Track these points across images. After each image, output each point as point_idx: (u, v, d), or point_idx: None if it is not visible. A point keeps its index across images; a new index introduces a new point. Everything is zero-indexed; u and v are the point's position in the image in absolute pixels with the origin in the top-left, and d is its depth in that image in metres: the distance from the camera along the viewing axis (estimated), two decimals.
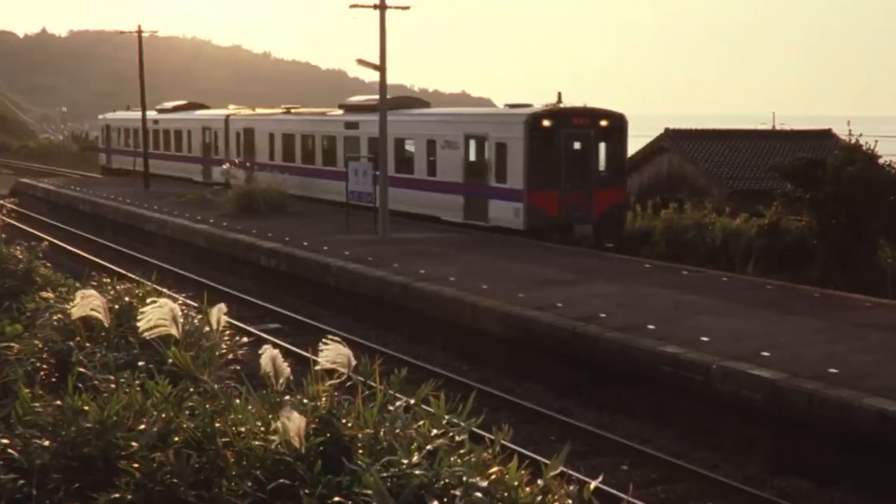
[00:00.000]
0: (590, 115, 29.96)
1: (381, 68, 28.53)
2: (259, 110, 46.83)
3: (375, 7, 28.27)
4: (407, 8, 29.00)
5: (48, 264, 10.34)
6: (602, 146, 30.15)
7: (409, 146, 33.70)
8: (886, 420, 12.44)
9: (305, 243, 27.06)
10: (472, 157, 30.61)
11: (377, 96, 29.52)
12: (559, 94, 31.04)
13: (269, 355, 4.86)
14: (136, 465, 4.28)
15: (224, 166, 41.58)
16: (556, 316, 17.95)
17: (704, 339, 15.92)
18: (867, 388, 13.30)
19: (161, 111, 52.53)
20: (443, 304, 20.18)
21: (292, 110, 43.36)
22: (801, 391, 13.45)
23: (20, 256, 9.89)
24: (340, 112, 38.58)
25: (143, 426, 4.53)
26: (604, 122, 29.86)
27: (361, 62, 28.86)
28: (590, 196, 28.85)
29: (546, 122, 28.92)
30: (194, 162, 47.90)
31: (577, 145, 29.39)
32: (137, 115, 50.65)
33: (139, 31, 45.83)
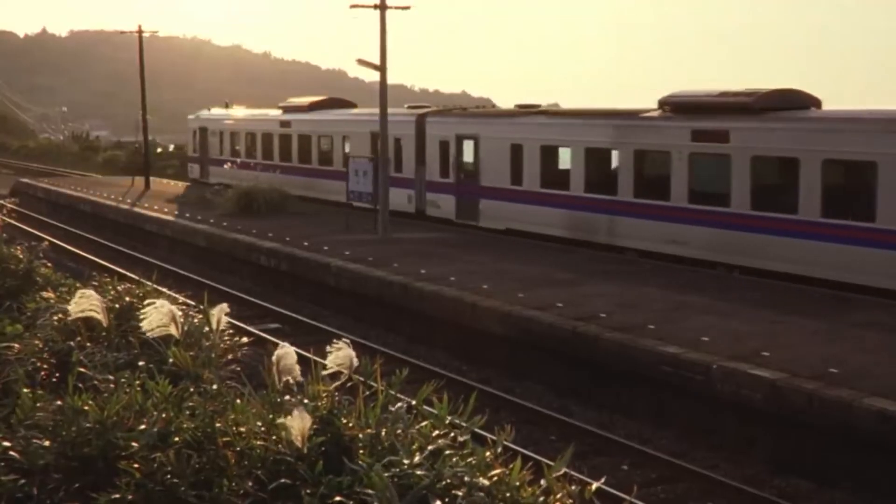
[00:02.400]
0: None
1: (382, 68, 28.52)
2: (459, 108, 36.45)
3: (375, 7, 28.27)
4: (407, 8, 29.03)
5: (48, 264, 10.33)
6: None
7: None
8: (886, 420, 12.44)
9: (306, 243, 27.06)
10: None
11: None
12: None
13: (280, 353, 4.85)
14: (136, 465, 4.28)
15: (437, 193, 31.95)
16: (556, 316, 17.95)
17: (704, 338, 15.92)
18: (867, 388, 13.30)
19: (289, 110, 41.99)
20: (443, 304, 20.18)
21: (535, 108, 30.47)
22: (800, 391, 13.46)
23: (20, 256, 9.88)
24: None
25: (143, 426, 4.53)
26: None
27: (361, 62, 28.86)
28: None
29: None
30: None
31: None
32: (254, 113, 45.38)
33: (139, 31, 45.83)
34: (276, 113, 42.77)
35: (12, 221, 30.70)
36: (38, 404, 4.87)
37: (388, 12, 28.37)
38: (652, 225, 24.25)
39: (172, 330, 5.42)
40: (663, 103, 24.77)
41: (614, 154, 25.60)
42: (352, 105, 40.80)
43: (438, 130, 31.85)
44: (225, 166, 43.77)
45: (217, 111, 49.43)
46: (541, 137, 27.79)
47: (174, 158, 64.79)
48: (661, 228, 23.97)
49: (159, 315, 5.42)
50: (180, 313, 5.62)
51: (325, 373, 4.81)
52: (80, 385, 5.04)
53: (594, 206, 25.83)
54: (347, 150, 36.14)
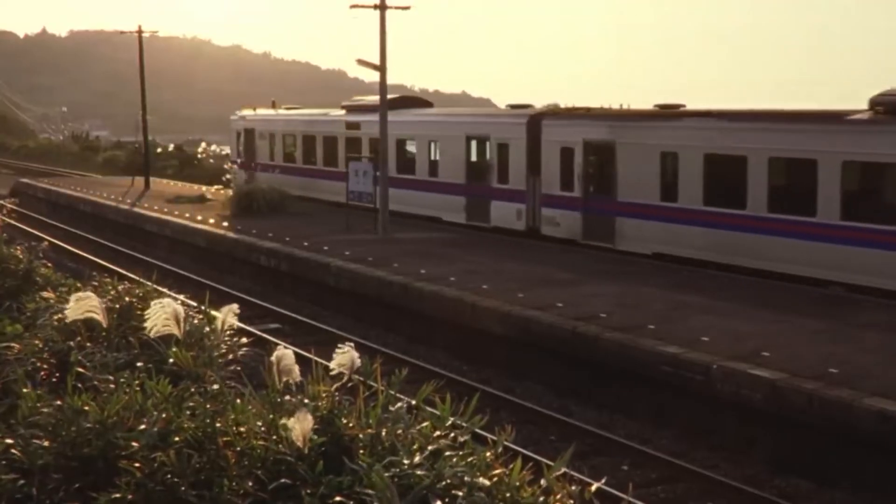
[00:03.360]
0: None
1: (382, 68, 28.54)
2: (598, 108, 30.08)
3: (375, 7, 28.29)
4: (407, 8, 29.04)
5: (48, 264, 10.33)
6: None
7: None
8: (886, 420, 12.45)
9: (305, 243, 27.06)
10: None
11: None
12: None
13: (278, 354, 4.86)
14: (136, 465, 4.28)
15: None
16: (556, 316, 17.95)
17: (704, 338, 15.93)
18: (867, 388, 13.30)
19: (356, 110, 36.81)
20: (443, 304, 20.18)
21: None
22: (800, 391, 13.46)
23: (20, 256, 9.88)
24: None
25: (143, 426, 4.53)
26: None
27: (361, 62, 28.88)
28: None
29: None
30: (446, 192, 31.29)
31: None
32: (313, 114, 40.24)
33: (139, 31, 45.84)
34: (338, 113, 37.89)
35: (12, 221, 30.73)
36: (38, 404, 4.87)
37: (388, 12, 28.40)
38: (873, 255, 19.49)
39: (174, 329, 5.42)
40: (877, 103, 20.22)
41: (813, 165, 20.48)
42: (427, 104, 37.06)
43: (559, 135, 27.07)
44: (276, 173, 39.95)
45: (264, 111, 44.22)
46: (704, 144, 23.13)
47: (174, 158, 64.74)
48: (887, 259, 19.28)
49: (164, 313, 5.41)
50: (183, 311, 5.62)
51: (332, 373, 4.81)
52: (80, 385, 5.04)
53: (781, 229, 21.16)
54: (436, 156, 31.89)
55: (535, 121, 28.15)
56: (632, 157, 24.95)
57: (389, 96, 31.42)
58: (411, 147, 33.47)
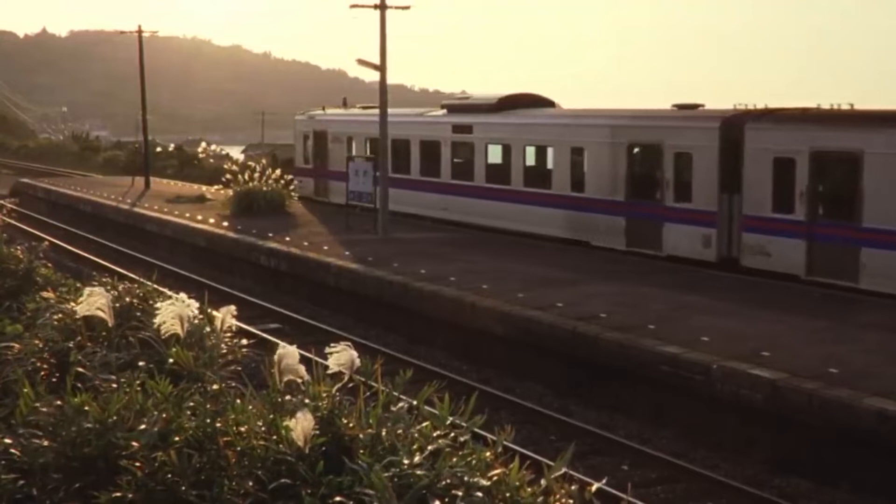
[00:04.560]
0: None
1: (382, 68, 28.54)
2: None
3: (375, 7, 28.29)
4: (407, 8, 29.03)
5: (48, 264, 10.34)
6: None
7: None
8: (886, 420, 12.45)
9: (305, 243, 27.06)
10: None
11: None
12: None
13: (281, 353, 4.86)
14: (137, 465, 4.28)
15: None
16: (556, 316, 17.95)
17: (704, 338, 15.92)
18: (867, 388, 13.30)
19: (463, 109, 31.30)
20: (443, 304, 20.18)
21: None
22: (800, 391, 13.46)
23: (20, 256, 9.89)
24: None
25: (143, 426, 4.54)
26: None
27: (361, 62, 28.88)
28: None
29: None
30: (596, 210, 25.93)
31: None
32: (405, 114, 33.87)
33: (139, 31, 45.84)
34: (439, 113, 32.41)
35: (12, 221, 30.74)
36: (38, 404, 4.87)
37: (388, 12, 28.40)
38: None
39: (178, 329, 5.44)
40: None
41: None
42: (548, 102, 30.75)
43: (772, 142, 21.79)
44: None
45: (335, 111, 38.83)
46: None
47: (173, 158, 64.73)
48: None
49: (175, 312, 5.43)
50: (189, 311, 5.63)
51: (329, 371, 4.81)
52: (81, 385, 5.05)
53: None
54: (582, 167, 26.53)
55: (733, 125, 22.72)
56: (889, 171, 19.65)
57: (505, 94, 28.88)
58: (543, 155, 28.00)
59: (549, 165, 27.72)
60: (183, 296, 5.65)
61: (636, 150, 25.12)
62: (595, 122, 26.53)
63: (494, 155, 29.60)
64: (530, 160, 28.53)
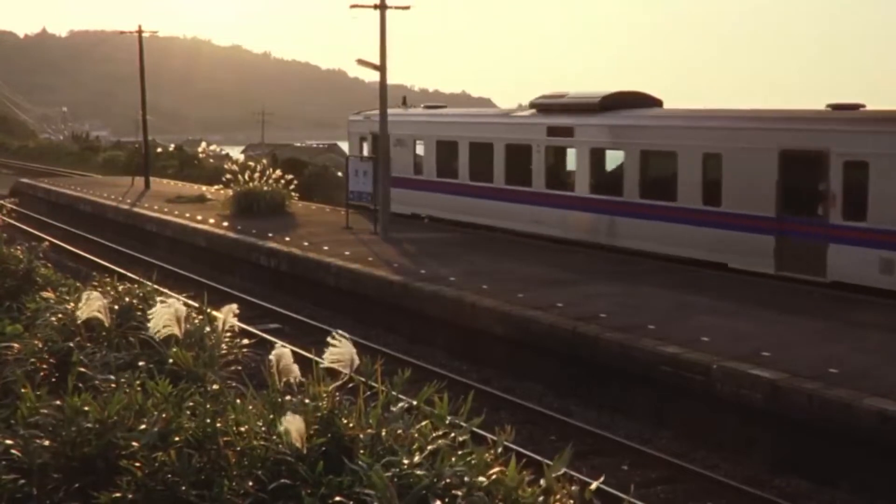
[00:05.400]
0: None
1: (382, 68, 28.54)
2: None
3: (375, 7, 28.28)
4: (407, 8, 29.02)
5: (48, 264, 10.33)
6: None
7: None
8: (886, 420, 12.45)
9: (306, 243, 27.06)
10: None
11: None
12: None
13: (277, 353, 4.87)
14: (137, 465, 4.28)
15: None
16: (556, 316, 17.94)
17: (705, 338, 15.92)
18: (867, 388, 13.30)
19: (558, 109, 27.45)
20: (443, 304, 20.18)
21: None
22: (801, 391, 13.46)
23: (20, 256, 9.89)
24: None
25: (143, 426, 4.54)
26: None
27: (361, 62, 28.87)
28: None
29: None
30: (736, 227, 22.31)
31: None
32: (484, 115, 31.72)
33: (139, 32, 45.83)
34: (526, 114, 28.79)
35: (12, 221, 30.73)
36: (38, 404, 4.87)
37: (388, 12, 28.39)
38: None
39: (175, 330, 5.43)
40: None
41: None
42: (655, 101, 26.99)
43: None
44: (423, 190, 31.87)
45: (394, 111, 32.56)
46: None
47: (174, 158, 64.71)
48: None
49: (168, 314, 5.43)
50: (184, 311, 5.63)
51: (324, 365, 4.81)
52: (80, 385, 5.05)
53: None
54: (717, 176, 22.65)
55: None
56: None
57: (608, 91, 25.99)
58: (666, 162, 24.10)
59: (675, 174, 23.63)
60: (173, 301, 5.63)
61: (791, 157, 21.21)
62: (736, 125, 22.83)
63: (601, 161, 26.10)
64: (648, 168, 24.73)
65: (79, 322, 6.14)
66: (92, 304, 5.88)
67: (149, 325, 5.54)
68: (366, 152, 33.91)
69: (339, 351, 4.79)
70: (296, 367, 4.87)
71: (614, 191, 25.19)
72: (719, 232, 22.57)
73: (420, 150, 32.35)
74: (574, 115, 26.66)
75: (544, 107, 28.14)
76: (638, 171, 24.68)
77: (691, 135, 23.53)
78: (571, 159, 26.60)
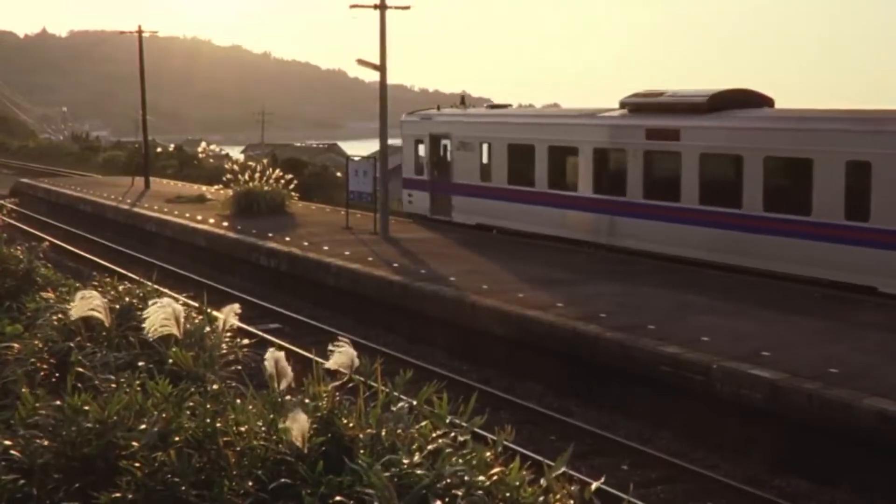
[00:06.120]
0: None
1: (382, 68, 28.54)
2: None
3: (375, 7, 28.29)
4: (407, 8, 29.02)
5: (48, 264, 10.34)
6: None
7: None
8: (886, 420, 12.45)
9: (305, 243, 27.06)
10: None
11: None
12: None
13: (272, 356, 4.87)
14: (137, 465, 4.29)
15: None
16: (556, 316, 17.95)
17: (705, 338, 15.92)
18: (867, 388, 13.31)
19: (658, 110, 24.58)
20: (443, 304, 20.18)
21: None
22: (801, 391, 13.46)
23: (20, 256, 9.89)
24: None
25: (143, 426, 4.54)
26: None
27: (361, 62, 28.88)
28: None
29: None
30: (872, 244, 19.72)
31: None
32: (566, 115, 28.48)
33: (139, 32, 45.84)
34: (616, 114, 25.75)
35: (12, 221, 30.75)
36: (38, 405, 4.87)
37: (388, 12, 28.40)
38: None
39: (174, 330, 5.43)
40: None
41: None
42: (766, 100, 24.09)
43: None
44: (492, 199, 28.90)
45: (454, 111, 32.09)
46: None
47: (174, 158, 64.74)
48: None
49: (163, 314, 5.42)
50: (183, 311, 5.62)
51: (326, 365, 4.82)
52: (80, 385, 5.05)
53: None
54: (862, 187, 19.62)
55: None
56: None
57: (717, 90, 23.54)
58: (798, 171, 21.08)
59: (809, 185, 20.63)
60: (168, 300, 5.63)
61: None
62: (891, 128, 19.64)
63: (713, 169, 23.03)
64: (774, 177, 21.69)
65: (73, 321, 6.14)
66: (86, 303, 5.88)
67: (144, 325, 5.54)
68: (421, 155, 31.75)
69: (342, 355, 4.81)
70: (288, 369, 4.88)
71: (731, 202, 22.11)
72: (868, 251, 19.58)
73: (488, 154, 29.31)
74: (678, 116, 23.71)
75: (639, 106, 25.11)
76: (761, 181, 21.47)
77: (830, 140, 20.40)
78: (677, 166, 23.43)
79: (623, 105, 25.71)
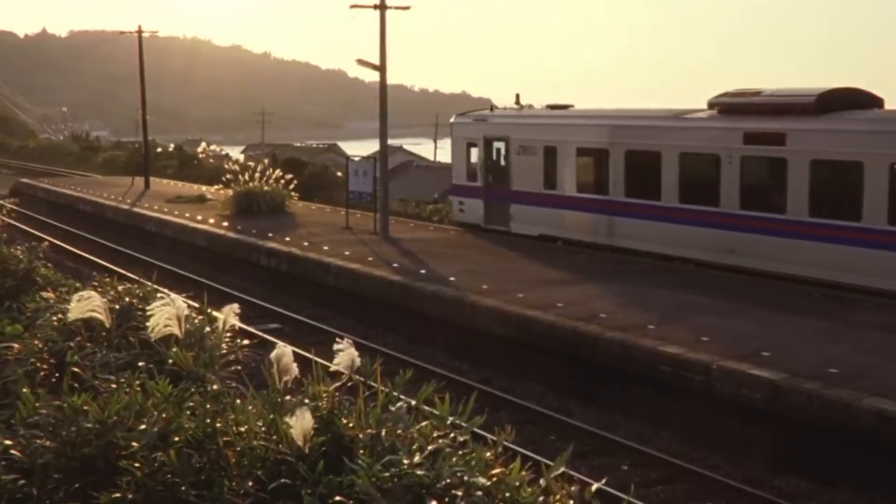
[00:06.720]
0: None
1: (382, 68, 28.54)
2: None
3: (375, 7, 28.29)
4: (407, 8, 29.02)
5: (48, 265, 10.33)
6: None
7: None
8: (886, 420, 12.45)
9: (305, 243, 27.06)
10: None
11: None
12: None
13: (280, 351, 4.87)
14: (137, 465, 4.29)
15: None
16: (556, 316, 17.95)
17: (705, 339, 15.92)
18: (867, 388, 13.31)
19: (758, 111, 21.99)
20: (443, 304, 20.18)
21: None
22: (801, 391, 13.46)
23: (20, 256, 9.89)
24: None
25: (143, 426, 4.54)
26: None
27: (361, 62, 28.88)
28: None
29: None
30: None
31: None
32: (643, 116, 25.70)
33: (139, 32, 45.83)
34: (705, 115, 23.36)
35: (12, 221, 30.75)
36: (38, 404, 4.88)
37: (388, 12, 28.40)
38: None
39: (175, 329, 5.43)
40: None
41: None
42: (876, 101, 21.64)
43: None
44: (556, 208, 26.61)
45: (510, 112, 29.67)
46: None
47: (174, 158, 64.73)
48: None
49: (167, 313, 5.42)
50: (185, 310, 5.62)
51: (331, 368, 4.82)
52: (79, 385, 5.05)
53: None
54: None
55: None
56: None
57: (825, 88, 21.25)
58: None
59: None
60: (174, 296, 5.63)
61: None
62: None
63: (826, 177, 20.58)
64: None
65: (71, 321, 6.14)
66: (84, 304, 5.87)
67: (148, 323, 5.54)
68: (474, 159, 29.33)
69: (345, 356, 4.81)
70: (295, 367, 4.88)
71: (849, 215, 19.79)
72: None
73: (553, 158, 26.78)
74: (782, 119, 21.24)
75: (733, 107, 22.61)
76: (886, 191, 19.16)
77: None
78: (782, 173, 21.12)
79: (712, 105, 23.27)
